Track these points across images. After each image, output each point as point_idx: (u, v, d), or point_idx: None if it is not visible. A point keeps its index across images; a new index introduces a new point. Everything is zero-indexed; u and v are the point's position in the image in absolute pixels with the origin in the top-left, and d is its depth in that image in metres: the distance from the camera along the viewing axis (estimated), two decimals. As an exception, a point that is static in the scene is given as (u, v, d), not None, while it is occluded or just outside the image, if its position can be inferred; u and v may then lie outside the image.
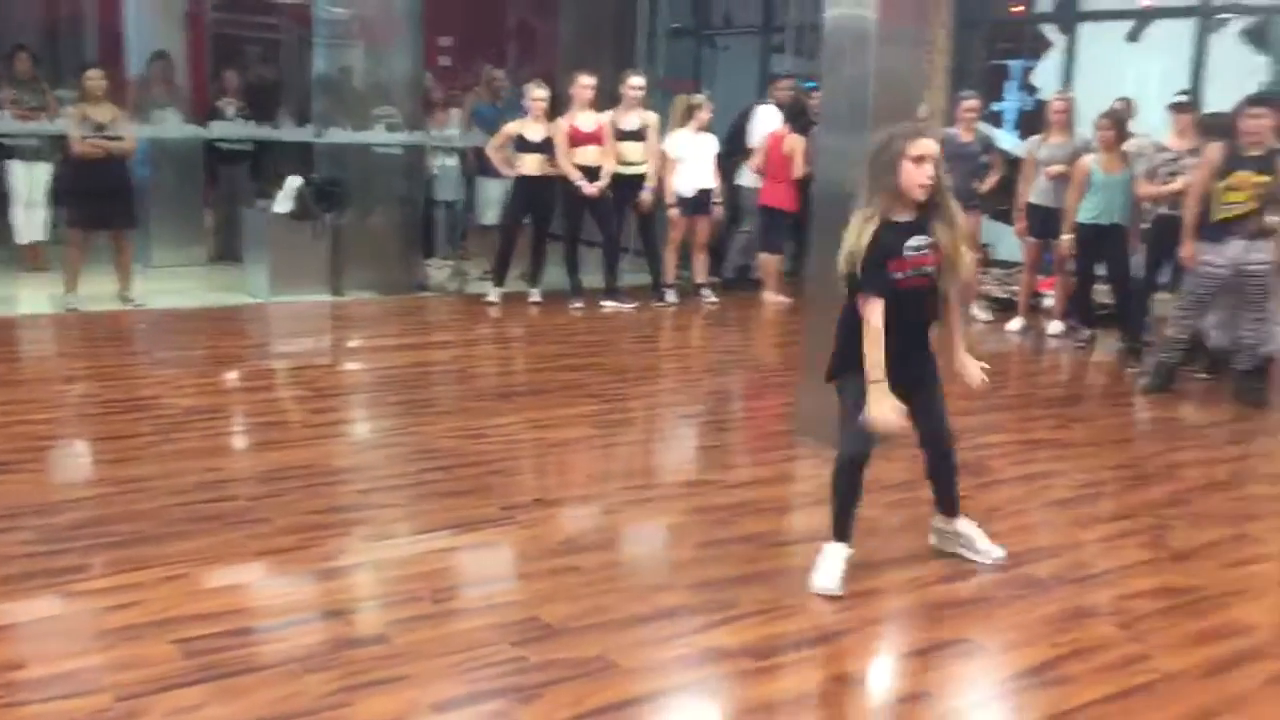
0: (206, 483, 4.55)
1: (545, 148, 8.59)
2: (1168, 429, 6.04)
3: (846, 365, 3.77)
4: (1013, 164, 9.20)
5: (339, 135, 8.84)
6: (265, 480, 4.62)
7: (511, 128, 8.71)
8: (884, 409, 3.58)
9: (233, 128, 9.49)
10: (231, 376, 6.51)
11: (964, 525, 4.05)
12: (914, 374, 3.76)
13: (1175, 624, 3.56)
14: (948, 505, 4.04)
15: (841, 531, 3.82)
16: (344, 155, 8.89)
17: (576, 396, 6.15)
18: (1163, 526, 4.46)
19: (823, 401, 5.29)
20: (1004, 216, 9.91)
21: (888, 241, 3.60)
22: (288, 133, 9.52)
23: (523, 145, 8.61)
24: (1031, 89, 11.02)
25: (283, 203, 8.52)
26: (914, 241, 3.63)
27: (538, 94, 8.62)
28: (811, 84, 11.80)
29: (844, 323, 3.79)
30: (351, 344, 7.65)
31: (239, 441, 5.38)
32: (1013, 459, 5.31)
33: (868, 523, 4.21)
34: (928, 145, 3.55)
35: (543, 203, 8.75)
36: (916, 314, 3.72)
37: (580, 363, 6.99)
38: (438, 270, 9.26)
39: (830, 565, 3.76)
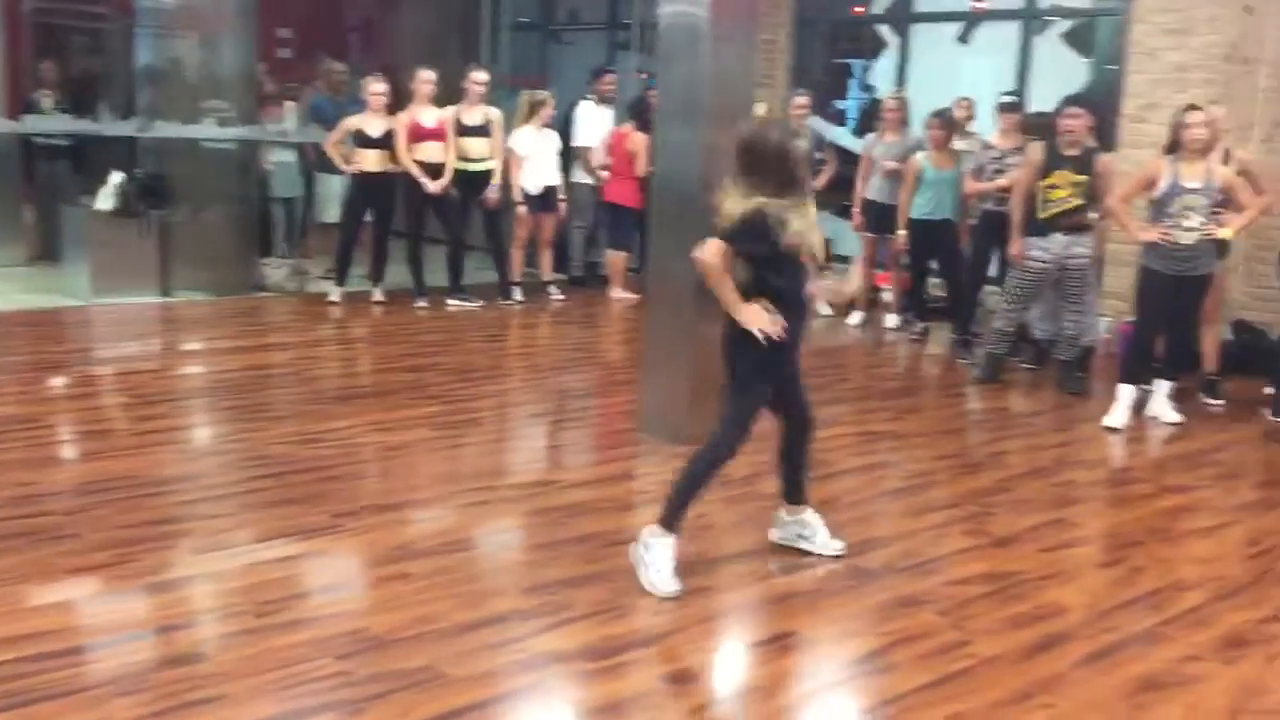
0: (18, 497, 4.30)
1: (385, 143, 8.41)
2: (995, 418, 6.26)
3: (734, 346, 3.81)
4: (849, 161, 9.45)
5: (165, 129, 8.49)
6: (83, 493, 4.40)
7: (350, 122, 8.50)
8: (754, 313, 3.66)
9: (49, 122, 9.02)
10: (51, 384, 6.18)
11: (811, 516, 4.10)
12: (797, 341, 3.83)
13: (994, 609, 3.68)
14: (796, 492, 4.08)
15: (675, 524, 3.80)
16: (172, 150, 8.55)
17: (418, 398, 6.04)
18: (986, 513, 4.61)
19: (664, 398, 5.38)
20: (840, 212, 10.15)
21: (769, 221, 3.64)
22: (108, 127, 9.07)
23: (362, 140, 8.42)
24: (869, 88, 11.30)
25: (104, 199, 8.14)
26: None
27: (377, 88, 8.44)
28: (655, 81, 11.92)
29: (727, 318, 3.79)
30: (182, 347, 7.36)
31: (56, 452, 5.10)
32: (851, 451, 5.43)
33: (704, 518, 4.25)
34: (799, 146, 3.75)
35: (383, 200, 8.57)
36: (791, 280, 3.75)
37: (423, 363, 6.87)
38: (276, 269, 8.97)
39: (664, 561, 3.74)
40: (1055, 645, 3.44)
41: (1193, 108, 6.10)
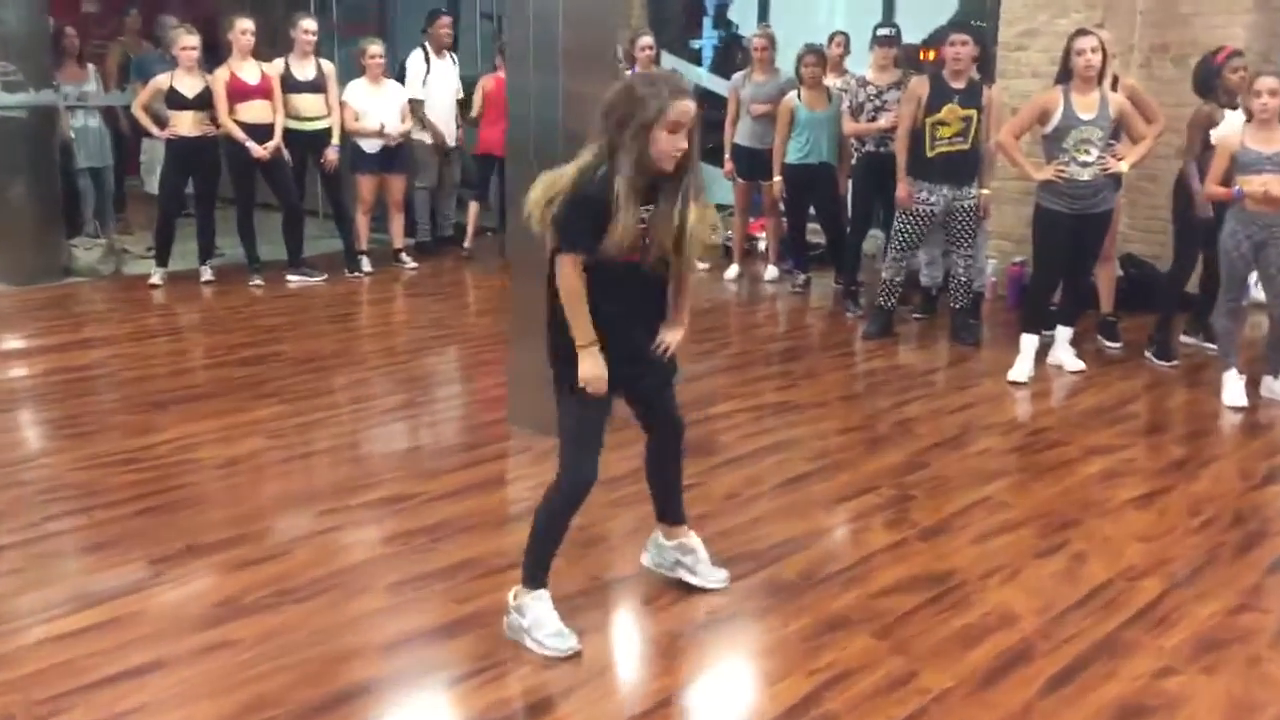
0: None
1: (202, 103, 7.49)
2: (893, 379, 5.80)
3: (559, 352, 3.08)
4: (713, 105, 8.88)
5: (-58, 97, 7.40)
6: None
7: (160, 81, 7.55)
8: (593, 369, 2.97)
9: None
10: None
11: (694, 539, 3.43)
12: (641, 355, 3.12)
13: (936, 624, 3.19)
14: (674, 511, 3.42)
15: (542, 577, 3.12)
16: (-50, 121, 7.46)
17: (254, 398, 5.28)
18: (906, 498, 4.13)
19: (536, 382, 4.72)
20: (705, 157, 9.59)
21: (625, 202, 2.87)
22: None
23: (176, 101, 7.48)
24: (728, 24, 10.74)
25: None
26: (645, 211, 2.94)
27: (187, 41, 7.49)
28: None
29: (550, 296, 3.06)
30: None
31: None
32: (743, 431, 4.89)
33: (586, 532, 3.66)
34: (687, 109, 2.88)
35: (204, 167, 7.64)
36: (640, 288, 3.05)
37: (262, 353, 6.07)
38: (87, 250, 7.97)
39: (546, 618, 3.06)
40: (1014, 667, 2.96)
41: (1083, 32, 5.68)
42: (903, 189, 6.39)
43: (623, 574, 3.52)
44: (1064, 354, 5.88)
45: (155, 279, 7.67)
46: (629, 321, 3.07)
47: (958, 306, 6.43)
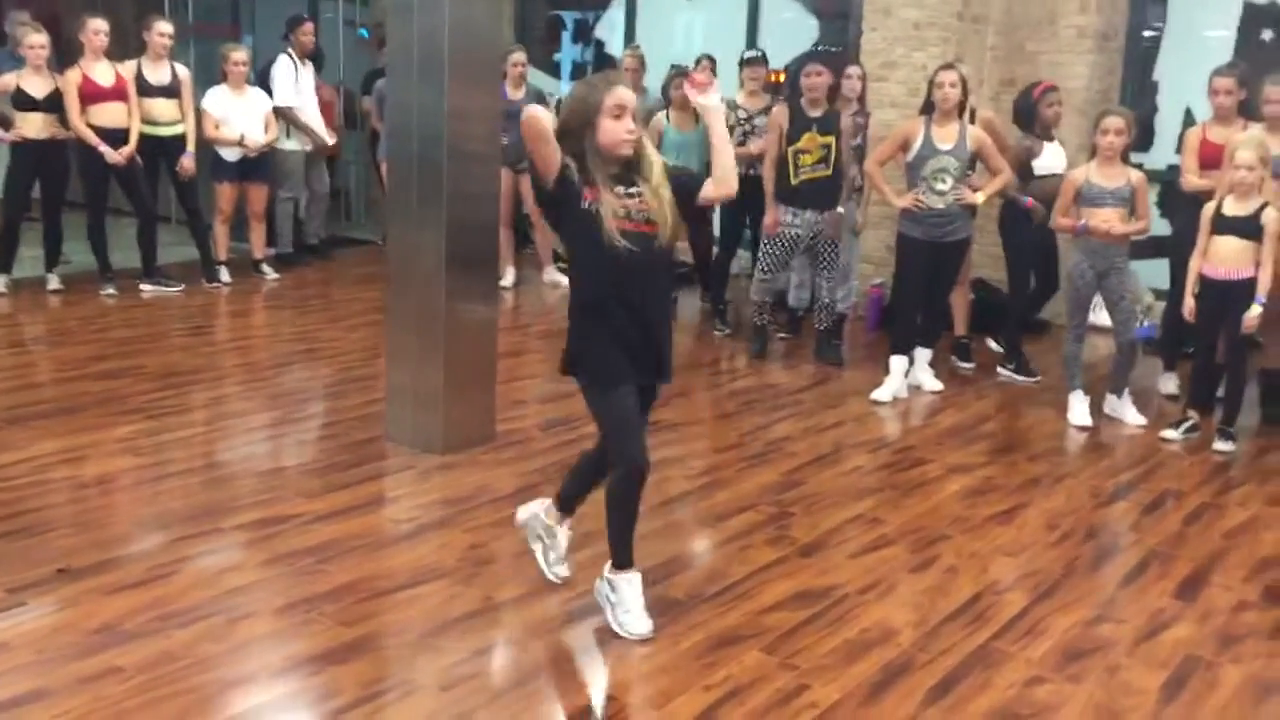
0: None
1: (50, 105, 7.17)
2: (764, 397, 5.95)
3: (576, 355, 3.27)
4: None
5: None
6: None
7: (6, 81, 7.20)
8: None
9: None
10: None
11: (565, 533, 3.61)
12: (649, 361, 3.28)
13: (822, 638, 3.30)
14: (571, 504, 3.59)
15: (627, 555, 3.31)
16: None
17: (115, 414, 5.09)
18: (785, 515, 4.26)
19: (415, 397, 4.71)
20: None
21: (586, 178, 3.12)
22: None
23: (23, 102, 7.14)
24: (598, 43, 10.84)
25: None
26: (621, 188, 3.16)
27: (36, 40, 7.18)
28: (364, 31, 10.96)
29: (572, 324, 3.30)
30: None
31: None
32: (622, 448, 4.94)
33: (479, 550, 3.66)
34: (625, 95, 3.13)
35: (53, 170, 7.32)
36: (643, 284, 3.18)
37: (118, 367, 5.85)
38: (-79, 258, 7.53)
39: (635, 600, 3.28)
40: (896, 680, 3.09)
41: (945, 67, 5.96)
42: (770, 216, 6.57)
43: (514, 594, 3.52)
44: (923, 374, 6.13)
45: (0, 287, 7.31)
46: (635, 314, 3.19)
47: (822, 328, 6.62)
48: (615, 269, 3.11)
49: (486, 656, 3.17)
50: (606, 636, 3.27)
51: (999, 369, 6.41)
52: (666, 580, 3.64)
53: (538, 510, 3.64)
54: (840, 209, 6.60)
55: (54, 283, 7.48)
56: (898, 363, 5.96)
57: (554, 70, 10.88)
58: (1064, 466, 5.03)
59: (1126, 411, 5.68)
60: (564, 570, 3.59)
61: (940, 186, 5.77)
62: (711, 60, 8.05)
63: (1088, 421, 5.56)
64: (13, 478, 4.30)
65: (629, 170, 3.19)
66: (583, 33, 11.24)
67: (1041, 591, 3.69)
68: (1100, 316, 6.30)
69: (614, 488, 3.26)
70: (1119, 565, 4.00)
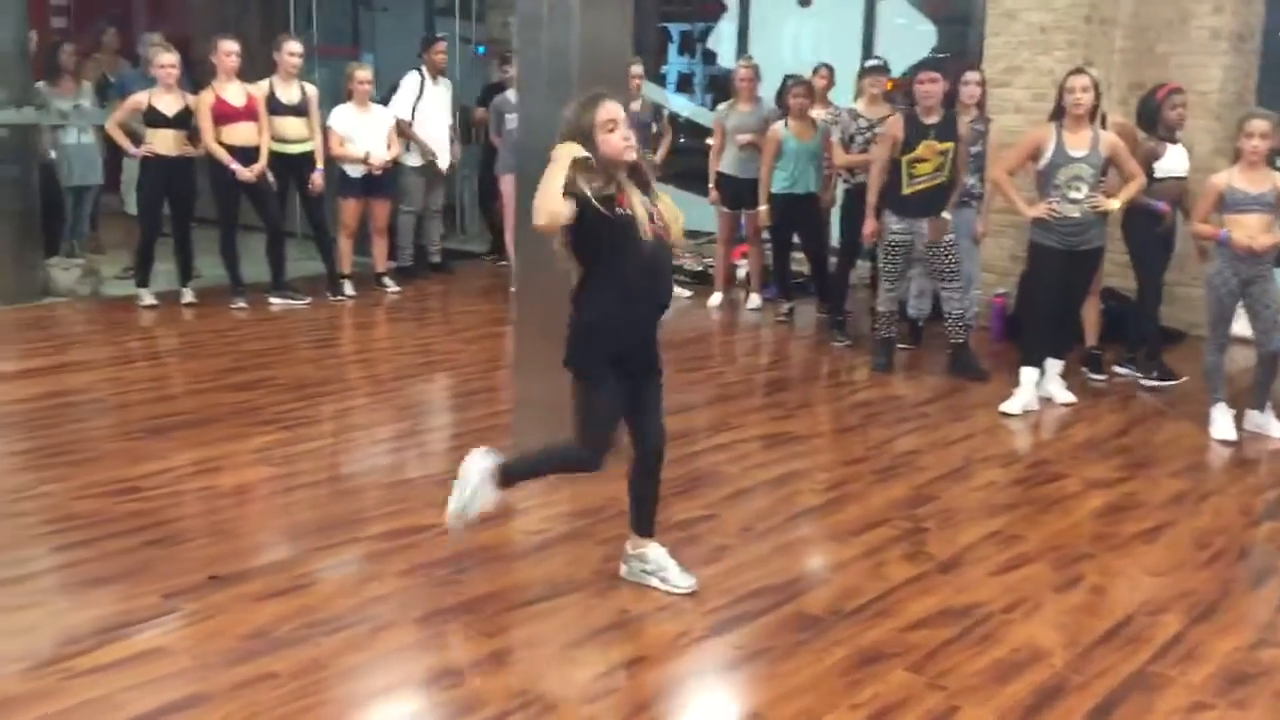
0: None
1: (181, 122, 7.42)
2: (888, 410, 5.86)
3: (581, 351, 3.46)
4: (679, 127, 9.00)
5: (-80, 115, 7.26)
6: None
7: (138, 99, 7.47)
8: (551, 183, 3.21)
9: None
10: None
11: (655, 551, 3.65)
12: (642, 363, 3.49)
13: (969, 658, 3.22)
14: (645, 524, 3.65)
15: (509, 484, 3.63)
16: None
17: (250, 424, 5.22)
18: (919, 530, 4.17)
19: (544, 411, 4.72)
20: (684, 184, 9.66)
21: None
22: None
23: (155, 119, 7.40)
24: (709, 54, 10.85)
25: None
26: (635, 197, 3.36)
27: (166, 59, 7.43)
28: (480, 49, 11.12)
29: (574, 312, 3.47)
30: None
31: None
32: (748, 462, 4.92)
33: (612, 564, 3.66)
34: (613, 109, 3.32)
35: (182, 187, 7.56)
36: (652, 282, 3.40)
37: (251, 379, 6.01)
38: (65, 271, 7.85)
39: (665, 562, 3.60)
40: (1052, 702, 3.00)
41: (1076, 71, 5.80)
42: (869, 225, 6.49)
43: (650, 608, 3.51)
44: (1054, 386, 5.96)
45: (146, 300, 7.57)
46: (634, 304, 3.40)
47: (959, 342, 6.46)
48: (644, 271, 3.31)
49: (626, 671, 3.15)
50: (745, 654, 3.23)
51: (1141, 382, 6.23)
52: (802, 596, 3.60)
53: (629, 551, 3.68)
54: (947, 214, 6.45)
55: (188, 296, 7.72)
56: (1028, 374, 5.81)
57: (660, 82, 10.91)
58: (1208, 483, 4.84)
59: (1271, 426, 5.46)
60: (687, 580, 3.60)
61: (1075, 194, 5.61)
62: (829, 69, 7.99)
63: (1231, 435, 5.35)
64: (157, 487, 4.43)
65: (634, 175, 3.36)
66: (688, 44, 11.27)
67: (1197, 614, 3.54)
68: (1241, 325, 6.07)
69: (567, 453, 3.54)
70: (1275, 589, 3.82)
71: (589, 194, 3.23)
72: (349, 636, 3.28)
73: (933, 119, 6.28)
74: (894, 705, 2.96)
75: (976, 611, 3.51)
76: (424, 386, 6.12)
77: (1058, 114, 5.77)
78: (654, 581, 3.59)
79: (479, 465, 3.57)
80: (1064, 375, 6.04)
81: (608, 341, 3.40)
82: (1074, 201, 5.63)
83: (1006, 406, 5.73)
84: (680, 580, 3.58)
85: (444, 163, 8.83)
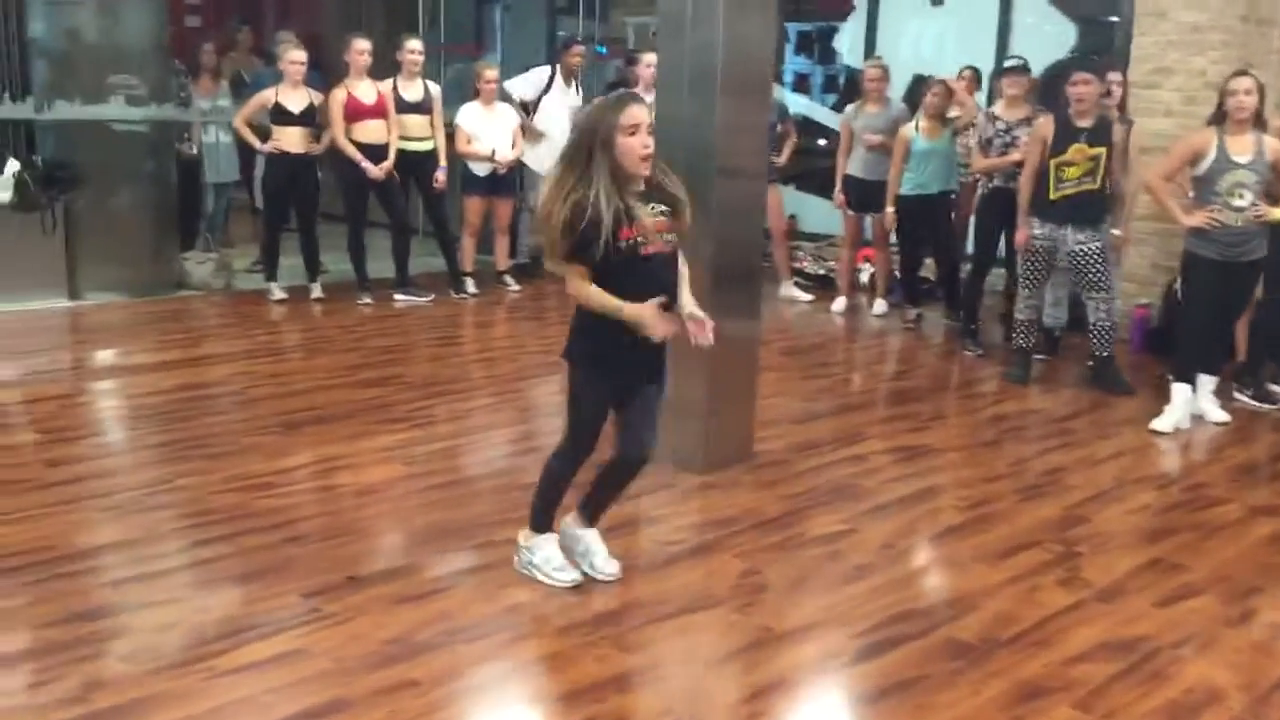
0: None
1: (306, 119, 7.50)
2: (1029, 424, 5.63)
3: (585, 352, 3.45)
4: (804, 129, 8.84)
5: (66, 110, 7.45)
6: (-21, 574, 3.53)
7: (266, 96, 7.58)
8: (648, 313, 3.22)
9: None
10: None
11: (594, 537, 3.70)
12: (642, 371, 3.44)
13: (1139, 697, 3.03)
14: (593, 512, 3.70)
15: (547, 524, 3.63)
16: (74, 133, 7.50)
17: (380, 421, 5.23)
18: (1072, 554, 3.97)
19: (680, 414, 4.62)
20: (808, 187, 9.48)
21: (605, 209, 3.20)
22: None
23: (281, 117, 7.49)
24: (829, 53, 10.65)
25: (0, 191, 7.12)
26: (649, 209, 3.30)
27: (295, 56, 7.52)
28: (601, 49, 11.08)
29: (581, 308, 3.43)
30: (96, 363, 6.43)
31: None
32: (884, 476, 4.75)
33: (755, 578, 3.53)
34: (639, 113, 3.24)
35: (306, 184, 7.66)
36: (664, 287, 3.34)
37: (379, 375, 6.03)
38: (200, 264, 8.01)
39: (555, 552, 3.59)
40: (1233, 750, 2.80)
41: (1239, 74, 5.51)
42: (1022, 233, 6.25)
43: (794, 626, 3.39)
44: (1207, 404, 5.67)
45: (276, 294, 7.69)
46: (632, 350, 3.33)
47: (1104, 355, 6.18)
48: (644, 289, 3.24)
49: (772, 694, 3.04)
50: (899, 680, 3.09)
51: (1272, 387, 5.93)
52: (953, 622, 3.43)
53: (569, 530, 3.70)
54: (1117, 230, 6.19)
55: (316, 291, 7.81)
56: (1181, 391, 5.53)
57: (779, 81, 10.75)
58: (1386, 513, 4.54)
59: None
60: (614, 565, 3.65)
61: (1238, 202, 5.32)
62: (974, 70, 7.72)
63: (1403, 463, 5.02)
64: (294, 483, 4.45)
65: (649, 188, 3.29)
66: (805, 44, 11.07)
67: (1387, 657, 3.29)
68: None
69: (557, 464, 3.53)
70: None
71: (585, 207, 3.18)
72: (488, 645, 3.22)
73: (1085, 122, 6.02)
74: (1062, 745, 2.79)
75: (1142, 646, 3.31)
76: (548, 388, 6.05)
77: (1219, 118, 5.48)
78: (583, 563, 3.64)
79: (523, 549, 3.63)
80: (1216, 393, 5.74)
81: (605, 343, 3.36)
82: (1237, 209, 5.34)
83: (1157, 424, 5.46)
84: (607, 566, 3.63)
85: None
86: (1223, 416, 5.64)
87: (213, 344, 6.80)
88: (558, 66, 8.70)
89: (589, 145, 3.21)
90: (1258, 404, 5.89)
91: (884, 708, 2.96)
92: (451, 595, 3.51)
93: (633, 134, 3.20)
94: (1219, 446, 5.32)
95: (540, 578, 3.55)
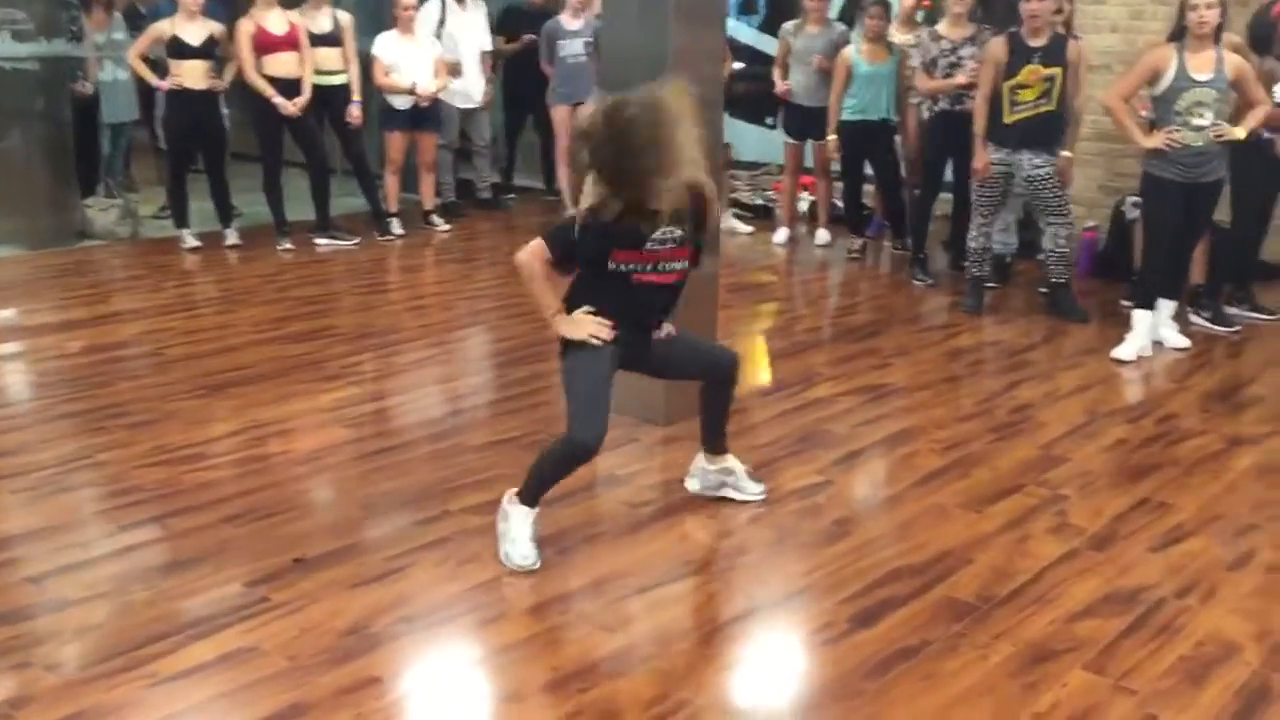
0: None
1: (207, 52, 6.98)
2: (990, 358, 5.48)
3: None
4: (740, 52, 8.52)
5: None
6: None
7: (160, 28, 7.04)
8: (580, 326, 3.22)
9: None
10: None
11: (732, 461, 3.70)
12: (640, 348, 3.37)
13: (1152, 654, 2.87)
14: (717, 442, 3.64)
15: (535, 500, 3.32)
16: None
17: (313, 380, 4.89)
18: (1058, 497, 3.81)
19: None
20: (741, 114, 9.15)
21: (622, 230, 3.11)
22: None
23: (179, 50, 6.95)
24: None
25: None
26: (660, 234, 3.15)
27: None
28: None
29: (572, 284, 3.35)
30: (-4, 323, 5.97)
31: None
32: (853, 420, 4.54)
33: (729, 542, 3.31)
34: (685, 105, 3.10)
35: (211, 122, 7.16)
36: (650, 311, 3.33)
37: (307, 328, 5.66)
38: (103, 211, 7.49)
39: (522, 532, 3.29)
40: (1259, 708, 2.65)
41: (1199, -13, 5.30)
42: (979, 159, 6.03)
43: (778, 594, 3.18)
44: (1167, 330, 5.56)
45: (190, 241, 7.23)
46: (636, 330, 3.32)
47: (1061, 282, 6.04)
48: (626, 315, 3.23)
49: (772, 671, 2.82)
50: (902, 648, 2.89)
51: (1230, 310, 5.87)
52: (948, 579, 3.25)
53: (705, 465, 3.69)
54: (1068, 152, 6.02)
55: (231, 238, 7.36)
56: (1142, 318, 5.41)
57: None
58: (1360, 437, 4.46)
59: None
60: (759, 487, 3.72)
61: (1198, 121, 5.16)
62: (884, 4, 7.36)
63: (1372, 383, 4.96)
64: (225, 454, 4.11)
65: (675, 197, 3.11)
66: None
67: (1394, 596, 3.19)
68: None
69: (556, 451, 3.26)
70: None
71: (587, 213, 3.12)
72: (455, 631, 2.96)
73: (1038, 41, 5.81)
74: (1080, 715, 2.62)
75: (1145, 597, 3.16)
76: (492, 335, 5.76)
77: (1178, 34, 5.29)
78: (729, 493, 3.67)
79: (505, 507, 3.36)
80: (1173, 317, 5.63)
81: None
82: (1197, 129, 5.18)
83: (1119, 353, 5.34)
84: (752, 487, 3.69)
85: (478, 95, 8.33)
86: (1183, 342, 5.54)
87: (122, 299, 6.35)
88: None
89: (623, 151, 3.00)
90: (1216, 327, 5.80)
91: (890, 681, 2.76)
92: (410, 575, 3.23)
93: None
94: (1184, 373, 5.21)
95: (504, 544, 3.29)
